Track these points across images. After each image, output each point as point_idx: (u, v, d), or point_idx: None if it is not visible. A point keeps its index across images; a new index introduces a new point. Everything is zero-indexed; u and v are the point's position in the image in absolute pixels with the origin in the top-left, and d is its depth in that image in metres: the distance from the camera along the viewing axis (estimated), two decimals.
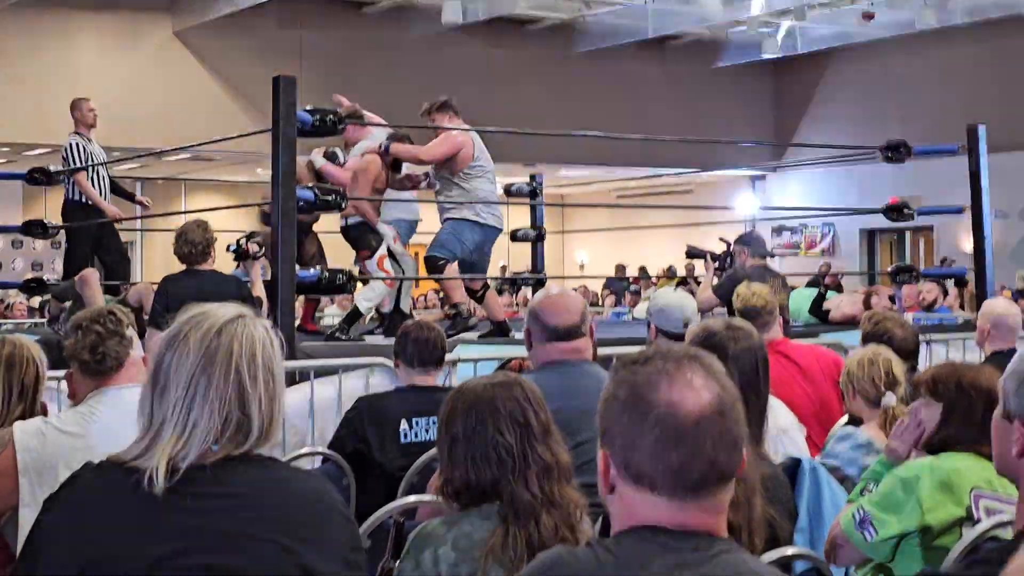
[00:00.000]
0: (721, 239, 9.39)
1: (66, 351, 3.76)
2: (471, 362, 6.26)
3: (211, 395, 2.21)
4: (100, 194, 10.20)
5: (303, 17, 20.23)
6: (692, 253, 10.25)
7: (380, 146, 8.48)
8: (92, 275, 7.65)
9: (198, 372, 2.21)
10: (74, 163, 10.06)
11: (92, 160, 10.06)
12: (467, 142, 8.41)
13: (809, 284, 11.31)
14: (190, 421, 2.20)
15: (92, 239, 10.05)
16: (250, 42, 19.94)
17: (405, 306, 8.77)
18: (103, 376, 3.72)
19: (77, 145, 10.13)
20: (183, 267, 7.07)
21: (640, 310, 12.78)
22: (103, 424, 3.62)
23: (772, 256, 8.38)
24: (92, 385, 3.74)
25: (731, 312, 6.32)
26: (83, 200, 10.02)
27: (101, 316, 3.74)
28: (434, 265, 8.17)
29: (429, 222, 9.31)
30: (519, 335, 8.73)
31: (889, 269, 10.64)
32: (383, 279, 8.25)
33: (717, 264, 9.28)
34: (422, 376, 5.04)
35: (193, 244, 6.92)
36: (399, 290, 8.69)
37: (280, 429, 2.35)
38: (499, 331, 8.42)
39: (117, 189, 10.63)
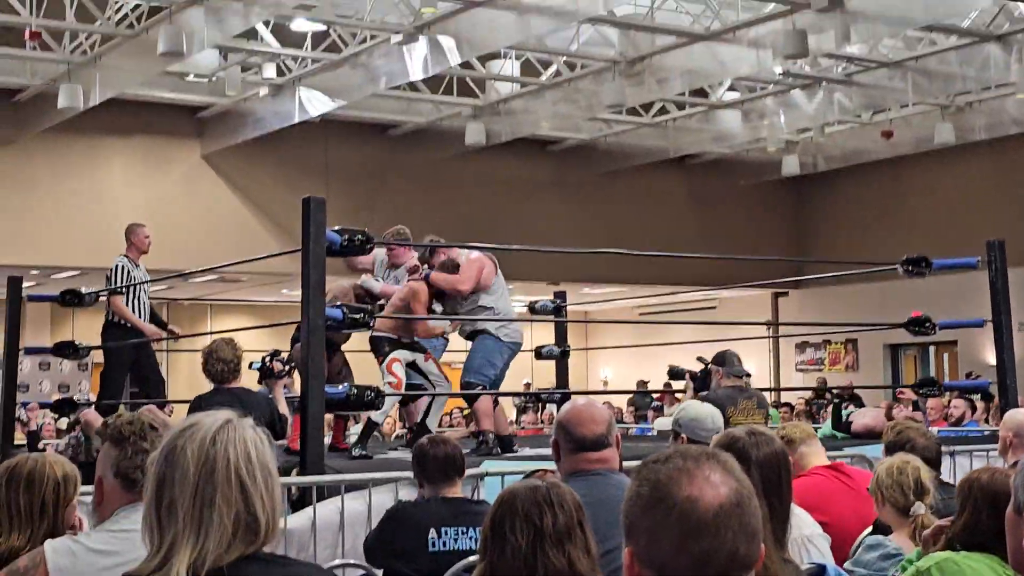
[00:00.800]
0: (699, 358, 9.41)
1: (112, 462, 3.73)
2: (498, 476, 6.31)
3: (218, 501, 2.29)
4: (143, 316, 10.37)
5: (329, 139, 20.55)
6: (673, 373, 10.30)
7: (421, 274, 8.69)
8: (95, 418, 7.73)
9: (201, 482, 2.30)
10: (116, 284, 10.24)
11: (134, 285, 10.26)
12: (486, 261, 8.73)
13: (817, 395, 11.34)
14: (202, 530, 2.28)
15: (129, 360, 10.21)
16: (276, 164, 20.26)
17: (432, 424, 8.79)
18: (140, 493, 3.71)
19: (122, 268, 10.34)
20: (210, 386, 7.16)
21: (662, 423, 12.76)
22: (136, 542, 3.62)
23: (748, 376, 8.38)
24: (126, 499, 3.70)
25: None
26: (122, 321, 10.19)
27: (144, 431, 3.71)
28: (474, 394, 8.40)
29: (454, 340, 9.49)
30: (530, 450, 8.84)
31: (913, 383, 10.67)
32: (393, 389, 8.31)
33: (696, 384, 9.35)
34: (447, 488, 5.11)
35: (225, 362, 7.02)
36: (429, 407, 8.80)
37: (280, 522, 2.43)
38: (504, 446, 8.54)
39: (156, 321, 10.82)
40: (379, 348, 8.46)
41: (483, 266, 8.65)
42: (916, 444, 5.21)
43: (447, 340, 9.26)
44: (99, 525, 3.73)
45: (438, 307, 8.78)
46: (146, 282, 10.52)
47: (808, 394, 19.65)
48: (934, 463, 5.25)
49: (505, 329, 8.65)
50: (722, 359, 8.34)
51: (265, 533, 2.35)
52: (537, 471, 4.07)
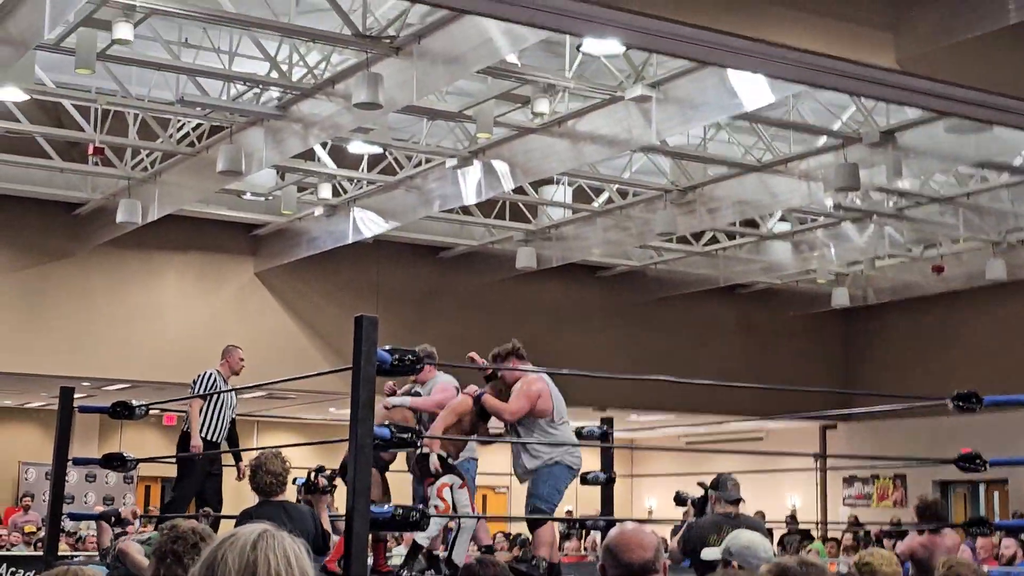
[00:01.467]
0: (699, 484, 9.30)
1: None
2: None
3: None
4: (215, 432, 10.43)
5: (381, 259, 20.74)
6: (678, 499, 10.19)
7: (475, 391, 8.70)
8: (130, 546, 7.76)
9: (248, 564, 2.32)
10: (199, 390, 10.35)
11: (219, 398, 10.35)
12: (544, 391, 8.66)
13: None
14: None
15: (203, 473, 10.27)
16: (328, 283, 20.44)
17: (458, 557, 8.45)
18: None
19: (209, 376, 10.48)
20: (255, 499, 7.17)
21: (710, 553, 12.55)
22: None
23: (741, 502, 8.22)
24: None
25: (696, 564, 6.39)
26: (201, 436, 10.27)
27: (186, 553, 3.72)
28: (538, 519, 8.35)
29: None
30: None
31: (963, 521, 10.52)
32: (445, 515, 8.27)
33: (696, 510, 9.24)
34: None
35: (274, 475, 7.06)
36: (454, 539, 8.56)
37: None
38: (553, 573, 8.47)
39: (232, 438, 10.89)
40: (427, 469, 8.42)
41: (535, 398, 8.57)
42: None
43: (476, 463, 9.21)
44: None
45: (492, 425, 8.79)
46: (229, 394, 10.56)
47: (856, 528, 19.38)
48: None
49: (573, 456, 8.65)
50: (717, 484, 8.22)
51: None
52: None
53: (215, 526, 9.76)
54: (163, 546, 3.70)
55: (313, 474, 7.51)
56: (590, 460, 12.20)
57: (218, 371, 10.59)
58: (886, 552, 5.93)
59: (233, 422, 10.83)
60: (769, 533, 9.87)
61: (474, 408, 8.72)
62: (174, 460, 10.54)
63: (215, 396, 10.35)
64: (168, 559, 3.66)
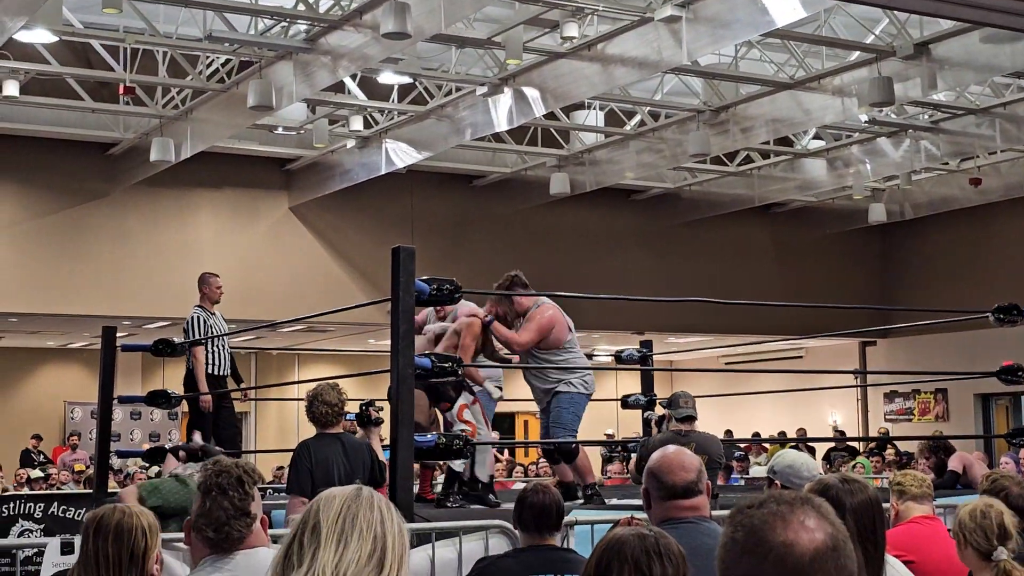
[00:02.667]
0: (660, 403, 9.26)
1: (194, 513, 3.80)
2: (588, 524, 6.31)
3: (360, 523, 2.33)
4: (219, 367, 10.49)
5: (414, 190, 20.73)
6: (624, 403, 10.21)
7: (485, 316, 8.63)
8: (174, 462, 7.83)
9: (345, 508, 2.34)
10: (193, 335, 10.37)
11: (209, 332, 10.38)
12: (556, 319, 8.57)
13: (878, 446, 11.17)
14: (342, 543, 2.32)
15: (212, 410, 10.31)
16: (362, 215, 20.47)
17: (481, 475, 8.47)
18: (222, 550, 3.71)
19: (198, 318, 10.47)
20: (304, 433, 7.23)
21: (757, 471, 12.68)
22: None
23: (692, 419, 8.10)
24: (208, 552, 3.74)
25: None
26: (206, 373, 10.31)
27: (231, 487, 3.73)
28: (569, 451, 8.34)
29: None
30: (618, 500, 8.81)
31: (1005, 432, 10.52)
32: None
33: (657, 430, 9.26)
34: (541, 537, 5.09)
35: (330, 405, 7.09)
36: (472, 459, 8.44)
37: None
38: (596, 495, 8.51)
39: (233, 369, 10.93)
40: (444, 394, 8.38)
41: (553, 324, 8.50)
42: (1011, 493, 5.15)
43: (493, 398, 9.09)
44: (191, 573, 3.79)
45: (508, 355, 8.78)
46: (227, 334, 10.62)
47: (901, 443, 19.40)
48: None
49: (586, 379, 8.62)
50: (670, 402, 8.12)
51: (389, 573, 2.37)
52: (626, 518, 4.05)
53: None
54: (208, 480, 3.73)
55: (364, 407, 7.56)
56: (630, 383, 12.25)
57: (201, 307, 10.59)
58: (918, 473, 5.91)
59: (233, 360, 10.82)
60: (811, 451, 9.90)
61: (483, 333, 8.65)
62: (223, 397, 10.60)
63: (207, 333, 10.35)
64: (213, 492, 3.69)
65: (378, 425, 7.51)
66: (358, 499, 2.38)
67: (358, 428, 7.88)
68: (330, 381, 7.39)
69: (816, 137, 19.90)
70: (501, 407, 9.71)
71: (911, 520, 5.46)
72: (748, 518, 2.08)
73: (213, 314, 10.57)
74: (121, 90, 15.74)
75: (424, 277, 6.92)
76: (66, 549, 5.45)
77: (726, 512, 2.25)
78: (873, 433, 24.10)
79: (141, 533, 3.87)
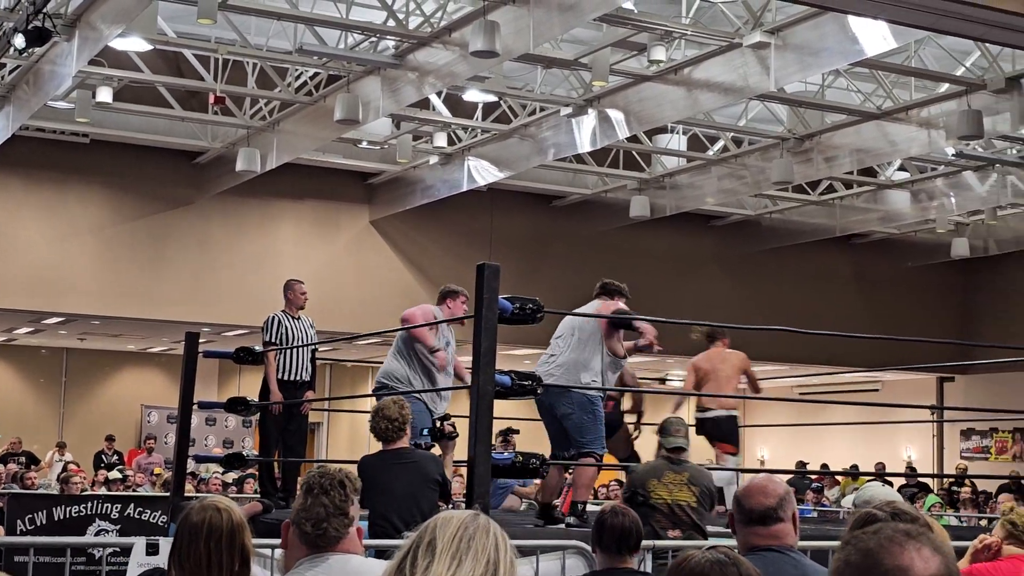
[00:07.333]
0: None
1: (294, 509, 3.84)
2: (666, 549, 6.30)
3: (475, 545, 2.35)
4: (292, 372, 10.40)
5: (495, 208, 20.80)
6: None
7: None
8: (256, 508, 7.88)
9: (462, 530, 2.37)
10: (266, 336, 10.33)
11: (288, 337, 10.33)
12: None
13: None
14: (456, 561, 2.35)
15: (283, 417, 10.26)
16: (442, 231, 20.56)
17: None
18: (319, 549, 3.75)
19: (274, 320, 10.39)
20: (373, 446, 7.26)
21: (847, 501, 12.62)
22: None
23: (682, 450, 7.79)
24: (305, 552, 3.77)
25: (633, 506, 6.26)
26: (280, 378, 10.27)
27: (332, 488, 3.80)
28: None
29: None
30: None
31: None
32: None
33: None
34: (619, 561, 5.09)
35: (390, 420, 7.12)
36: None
37: None
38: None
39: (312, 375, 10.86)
40: (734, 436, 8.39)
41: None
42: None
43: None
44: (287, 574, 3.83)
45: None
46: (307, 344, 10.55)
47: (979, 482, 19.13)
48: None
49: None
50: (662, 428, 7.84)
51: None
52: (715, 547, 4.03)
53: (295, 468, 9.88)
54: (310, 480, 3.83)
55: (440, 421, 7.59)
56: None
57: (283, 311, 10.54)
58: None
59: (314, 359, 10.75)
60: (888, 483, 9.83)
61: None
62: (293, 404, 10.60)
63: (285, 337, 10.29)
64: (315, 490, 3.79)
65: (451, 439, 7.53)
66: (475, 521, 2.41)
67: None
68: (395, 397, 7.42)
69: (901, 168, 19.73)
70: None
71: (1006, 558, 5.41)
72: (863, 541, 2.10)
73: (297, 319, 10.52)
74: (211, 100, 15.96)
75: (507, 295, 6.92)
76: (151, 550, 5.51)
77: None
78: (949, 470, 23.78)
79: (229, 531, 3.90)
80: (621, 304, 8.71)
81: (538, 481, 9.18)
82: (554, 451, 8.46)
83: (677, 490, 7.25)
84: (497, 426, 8.52)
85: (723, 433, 10.31)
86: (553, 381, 8.08)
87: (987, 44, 13.62)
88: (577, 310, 8.72)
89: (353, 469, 4.70)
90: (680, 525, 6.94)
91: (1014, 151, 18.04)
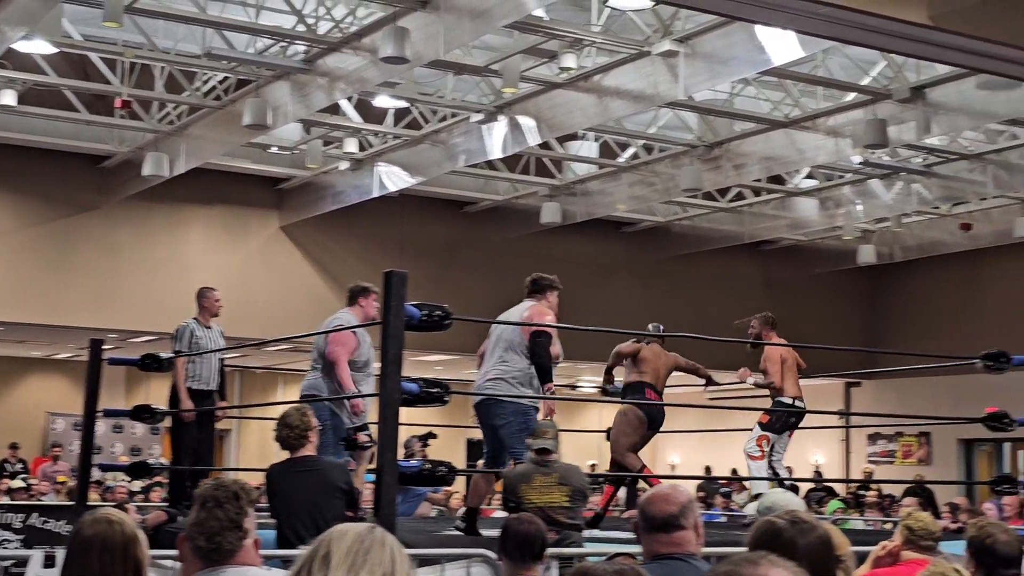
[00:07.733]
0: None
1: (188, 523, 3.77)
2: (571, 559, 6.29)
3: (371, 560, 2.33)
4: (202, 380, 10.30)
5: (405, 214, 20.73)
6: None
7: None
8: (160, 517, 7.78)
9: (358, 544, 2.35)
10: (178, 346, 10.20)
11: (200, 346, 10.23)
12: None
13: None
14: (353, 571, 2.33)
15: (196, 425, 10.16)
16: (352, 237, 20.47)
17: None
18: (213, 563, 3.68)
19: (186, 329, 10.29)
20: (283, 453, 7.21)
21: (751, 508, 12.77)
22: None
23: (548, 452, 7.76)
24: (200, 565, 3.69)
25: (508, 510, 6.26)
26: (189, 387, 10.16)
27: (227, 500, 3.73)
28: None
29: None
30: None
31: (987, 479, 10.53)
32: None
33: None
34: (524, 568, 5.08)
35: (291, 428, 7.08)
36: None
37: None
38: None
39: (220, 385, 10.74)
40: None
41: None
42: (998, 541, 5.13)
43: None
44: None
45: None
46: (217, 349, 10.45)
47: (885, 486, 19.39)
48: (1015, 562, 5.16)
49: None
50: (532, 431, 7.87)
51: None
52: (619, 554, 4.04)
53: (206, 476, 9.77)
54: (204, 493, 3.74)
55: (353, 431, 7.54)
56: (612, 416, 12.26)
57: (196, 320, 10.43)
58: (931, 522, 5.83)
59: (222, 369, 10.65)
60: (794, 489, 9.93)
61: None
62: (205, 412, 10.49)
63: (198, 347, 10.18)
64: (209, 503, 3.70)
65: (366, 449, 7.48)
66: (371, 534, 2.38)
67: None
68: (298, 405, 7.38)
69: (808, 176, 19.96)
70: None
71: (904, 563, 5.46)
72: (725, 564, 2.33)
73: (208, 328, 10.40)
74: (117, 103, 15.75)
75: (414, 302, 6.89)
76: (48, 562, 5.41)
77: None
78: (856, 474, 24.07)
79: (139, 543, 3.84)
80: (552, 301, 8.83)
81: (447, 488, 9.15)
82: (488, 460, 8.45)
83: (547, 492, 7.28)
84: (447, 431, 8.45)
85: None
86: (490, 389, 8.20)
87: (892, 55, 13.83)
88: (505, 313, 8.74)
89: (260, 478, 4.64)
90: (554, 526, 6.95)
91: (919, 160, 18.32)
